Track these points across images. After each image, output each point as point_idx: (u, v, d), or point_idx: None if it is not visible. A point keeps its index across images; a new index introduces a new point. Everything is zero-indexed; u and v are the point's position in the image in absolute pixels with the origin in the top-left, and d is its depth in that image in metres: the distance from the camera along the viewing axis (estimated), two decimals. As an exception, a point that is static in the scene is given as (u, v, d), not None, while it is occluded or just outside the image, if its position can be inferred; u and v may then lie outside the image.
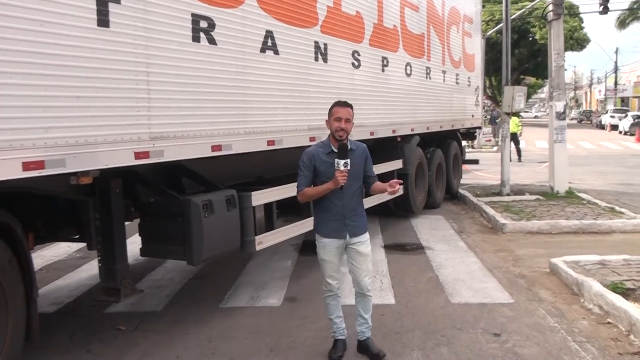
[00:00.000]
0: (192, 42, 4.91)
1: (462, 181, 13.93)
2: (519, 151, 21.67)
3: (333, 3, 7.18)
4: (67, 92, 3.85)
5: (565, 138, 12.32)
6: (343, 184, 4.33)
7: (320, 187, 4.47)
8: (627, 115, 42.61)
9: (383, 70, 8.72)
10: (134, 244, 5.92)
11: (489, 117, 32.24)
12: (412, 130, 9.89)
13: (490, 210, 10.32)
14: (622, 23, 47.63)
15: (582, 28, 43.60)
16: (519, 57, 42.95)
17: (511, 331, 5.15)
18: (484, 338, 5.00)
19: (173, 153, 4.77)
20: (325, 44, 6.98)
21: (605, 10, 20.46)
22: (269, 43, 5.92)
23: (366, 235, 4.64)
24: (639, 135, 33.17)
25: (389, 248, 8.36)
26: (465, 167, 14.55)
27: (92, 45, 4.00)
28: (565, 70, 12.97)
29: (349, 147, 4.47)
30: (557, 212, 10.13)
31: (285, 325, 5.41)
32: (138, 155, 4.43)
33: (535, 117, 79.29)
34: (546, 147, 14.33)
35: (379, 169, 8.09)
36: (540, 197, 11.74)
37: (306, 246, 8.25)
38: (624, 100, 61.45)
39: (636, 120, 38.48)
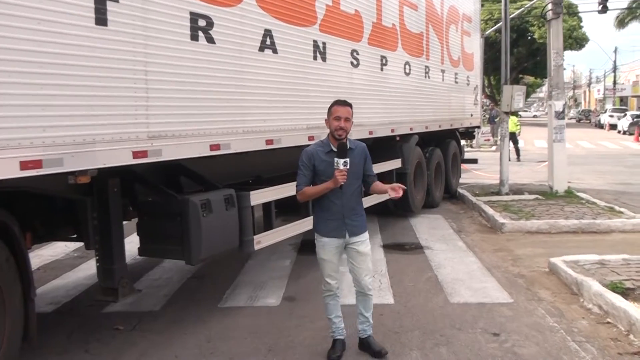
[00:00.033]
0: (191, 40, 4.89)
1: (461, 180, 13.93)
2: (517, 150, 21.67)
3: (332, 2, 7.15)
4: (65, 91, 3.83)
5: (564, 137, 12.31)
6: (342, 183, 4.32)
7: (319, 186, 4.45)
8: (625, 115, 42.65)
9: (382, 70, 8.70)
10: (132, 244, 5.89)
11: (487, 116, 32.24)
12: (411, 129, 9.88)
13: (489, 210, 10.31)
14: (621, 22, 47.65)
15: (581, 27, 43.58)
16: (517, 56, 42.94)
17: (510, 331, 5.14)
18: (483, 338, 4.99)
19: (171, 152, 4.76)
20: (324, 43, 6.96)
21: (604, 9, 20.47)
22: (268, 42, 5.90)
23: (366, 235, 4.63)
24: (638, 135, 33.19)
25: (387, 247, 8.34)
26: (464, 166, 14.54)
27: (90, 44, 3.98)
28: (564, 69, 12.95)
29: (348, 146, 4.46)
30: (556, 212, 10.12)
31: (284, 325, 5.39)
32: (136, 155, 4.42)
33: (534, 116, 79.30)
34: (545, 147, 14.34)
35: (378, 168, 8.06)
36: (539, 197, 11.73)
37: (305, 245, 8.24)
38: (623, 100, 61.50)
39: (635, 120, 38.51)
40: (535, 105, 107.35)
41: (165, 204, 5.33)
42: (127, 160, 4.36)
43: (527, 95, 51.03)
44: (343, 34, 7.46)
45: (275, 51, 6.02)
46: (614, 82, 63.71)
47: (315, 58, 6.81)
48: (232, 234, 5.57)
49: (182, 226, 5.09)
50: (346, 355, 4.68)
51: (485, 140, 27.90)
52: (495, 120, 27.37)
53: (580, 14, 43.62)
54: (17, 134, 3.53)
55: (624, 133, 39.05)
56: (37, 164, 3.65)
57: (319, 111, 6.17)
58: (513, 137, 20.03)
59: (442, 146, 12.27)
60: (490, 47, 34.22)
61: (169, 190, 5.34)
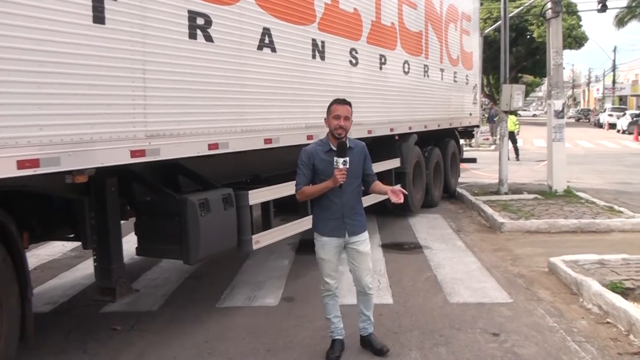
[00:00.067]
0: (189, 39, 4.87)
1: (459, 180, 13.91)
2: (516, 150, 21.66)
3: (331, 0, 7.13)
4: (63, 90, 3.80)
5: (563, 137, 12.30)
6: (342, 182, 4.31)
7: (319, 186, 4.44)
8: (625, 114, 42.62)
9: (381, 68, 8.68)
10: (129, 243, 5.85)
11: (486, 115, 32.22)
12: (409, 128, 9.86)
13: (489, 209, 10.29)
14: (621, 21, 47.65)
15: (580, 26, 43.57)
16: (516, 55, 42.94)
17: (510, 331, 5.12)
18: (483, 338, 4.98)
19: (169, 151, 4.73)
20: (322, 42, 6.94)
21: (603, 8, 20.42)
22: (266, 40, 5.87)
23: (365, 234, 4.62)
24: (637, 134, 33.19)
25: (386, 247, 8.33)
26: (463, 165, 14.52)
27: (88, 42, 3.95)
28: (564, 68, 12.94)
29: (348, 145, 4.45)
30: (555, 211, 10.10)
31: (283, 325, 5.37)
32: (134, 154, 4.39)
33: (534, 115, 79.27)
34: (544, 146, 14.34)
35: (377, 167, 8.02)
36: (539, 196, 11.72)
37: (303, 245, 8.22)
38: (622, 99, 61.49)
39: (634, 119, 38.49)
40: (534, 104, 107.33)
41: (163, 203, 5.30)
42: (125, 159, 4.33)
43: (526, 94, 51.03)
44: (342, 32, 7.44)
45: (274, 50, 6.00)
46: (613, 81, 63.71)
47: (314, 57, 6.78)
48: (231, 234, 5.55)
49: (180, 226, 5.06)
50: (345, 355, 4.66)
51: (484, 139, 27.90)
52: (495, 119, 27.36)
53: (579, 13, 43.61)
54: (14, 132, 3.50)
55: (623, 132, 39.04)
56: (34, 163, 3.63)
57: (318, 110, 6.16)
58: (512, 136, 20.04)
59: (441, 145, 12.25)
60: (489, 46, 34.24)
61: (167, 189, 5.32)
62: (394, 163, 9.55)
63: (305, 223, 6.57)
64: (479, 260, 7.54)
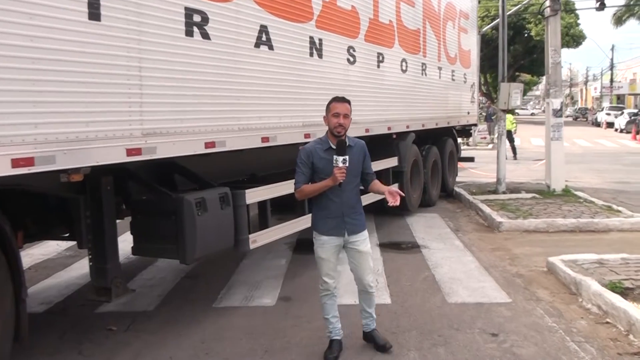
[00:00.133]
0: (185, 36, 4.82)
1: (457, 179, 13.87)
2: (514, 149, 21.62)
3: (329, -2, 7.09)
4: (57, 87, 3.76)
5: (562, 135, 12.28)
6: (342, 180, 4.28)
7: (318, 184, 4.41)
8: (623, 113, 42.64)
9: (378, 66, 8.64)
10: (125, 242, 5.82)
11: (484, 114, 32.22)
12: (407, 127, 9.82)
13: (486, 209, 10.26)
14: (619, 20, 47.64)
15: (578, 24, 43.66)
16: (514, 54, 43.03)
17: (509, 331, 5.09)
18: (482, 338, 4.94)
19: (166, 150, 4.68)
20: (320, 39, 6.89)
21: (601, 6, 20.45)
22: (264, 38, 5.83)
23: (365, 233, 4.61)
24: (635, 133, 33.20)
25: (384, 247, 8.30)
26: (460, 164, 14.49)
27: (83, 39, 3.90)
28: (562, 67, 12.92)
29: (347, 144, 4.41)
30: (553, 211, 10.08)
31: (280, 326, 5.33)
32: (130, 152, 4.35)
33: (532, 114, 79.35)
34: (541, 145, 14.33)
35: (375, 166, 7.93)
36: (537, 195, 11.70)
37: (300, 244, 8.19)
38: (620, 98, 61.50)
39: (632, 118, 38.52)
40: (531, 103, 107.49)
41: (159, 202, 5.26)
42: (121, 157, 4.29)
43: (524, 93, 51.10)
44: (339, 30, 7.39)
45: (271, 47, 5.95)
46: (611, 80, 63.72)
47: (311, 55, 6.74)
48: (227, 233, 5.50)
49: (177, 225, 5.02)
50: (343, 355, 4.63)
51: (481, 138, 27.87)
52: (492, 118, 27.34)
53: (577, 11, 43.68)
54: (8, 130, 3.45)
55: (621, 131, 39.06)
56: (29, 161, 3.59)
57: (315, 108, 6.14)
58: (509, 135, 19.98)
59: (439, 144, 12.20)
60: (487, 45, 34.28)
61: (163, 188, 5.28)
62: (391, 162, 9.52)
63: (302, 222, 6.53)
64: (477, 259, 7.51)
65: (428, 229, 9.55)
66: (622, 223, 9.15)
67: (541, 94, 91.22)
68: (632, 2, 44.63)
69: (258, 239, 5.95)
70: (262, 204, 6.24)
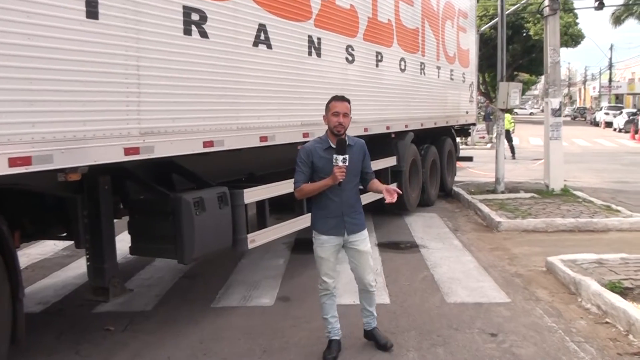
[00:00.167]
0: (184, 35, 4.80)
1: (456, 178, 13.85)
2: (512, 148, 21.61)
3: (327, -4, 7.07)
4: (55, 86, 3.74)
5: (560, 135, 12.27)
6: (341, 180, 4.27)
7: (318, 183, 4.40)
8: (621, 113, 42.63)
9: (377, 66, 8.62)
10: (123, 242, 5.80)
11: (482, 113, 32.22)
12: (406, 126, 9.80)
13: (485, 208, 10.24)
14: (617, 19, 47.60)
15: (576, 24, 43.65)
16: (512, 53, 43.01)
17: (508, 331, 5.08)
18: (481, 338, 4.93)
19: (164, 149, 4.67)
20: (319, 38, 6.87)
21: (600, 6, 20.45)
22: (262, 37, 5.81)
23: (365, 233, 4.60)
24: (634, 133, 33.21)
25: (382, 246, 8.28)
26: (459, 164, 14.47)
27: (81, 38, 3.89)
28: (560, 66, 12.91)
29: (347, 143, 4.39)
30: (552, 210, 10.07)
31: (278, 326, 5.31)
32: (128, 151, 4.33)
33: (531, 113, 79.35)
34: (540, 145, 14.32)
35: (373, 165, 7.91)
36: (535, 195, 11.69)
37: (299, 244, 8.17)
38: (619, 97, 61.51)
39: (631, 117, 38.52)
40: (530, 102, 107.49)
41: (157, 201, 5.23)
42: (119, 157, 4.27)
43: (522, 92, 51.13)
44: (338, 29, 7.37)
45: (269, 46, 5.93)
46: (610, 80, 63.75)
47: (310, 54, 6.72)
48: (226, 233, 5.48)
49: (175, 224, 4.99)
50: (342, 355, 4.61)
51: (480, 137, 27.86)
52: (491, 117, 27.33)
53: (576, 11, 43.67)
54: (5, 129, 3.44)
55: (620, 131, 39.08)
56: (26, 160, 3.57)
57: (314, 107, 6.12)
58: (507, 134, 19.97)
59: (438, 144, 12.18)
60: (485, 44, 34.20)
61: (161, 187, 5.25)
62: (390, 161, 9.50)
63: (301, 222, 6.52)
64: (476, 259, 7.49)
65: (427, 228, 9.53)
66: (621, 223, 9.15)
67: (540, 94, 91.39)
68: (630, 2, 44.61)
69: (256, 239, 5.93)
70: (260, 204, 6.21)
